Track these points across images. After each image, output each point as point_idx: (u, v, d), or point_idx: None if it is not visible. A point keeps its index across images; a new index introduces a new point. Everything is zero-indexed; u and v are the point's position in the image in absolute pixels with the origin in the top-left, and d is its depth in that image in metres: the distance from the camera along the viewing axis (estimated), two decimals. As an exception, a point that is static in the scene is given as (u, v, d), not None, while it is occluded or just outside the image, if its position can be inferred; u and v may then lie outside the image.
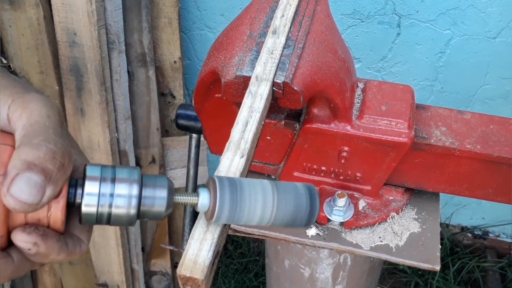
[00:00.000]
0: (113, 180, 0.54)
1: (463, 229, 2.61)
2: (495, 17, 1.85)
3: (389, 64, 2.07)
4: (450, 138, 0.94)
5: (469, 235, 2.62)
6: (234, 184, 0.57)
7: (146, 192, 0.55)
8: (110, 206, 0.53)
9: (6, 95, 0.54)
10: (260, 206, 0.57)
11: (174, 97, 2.03)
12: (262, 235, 1.02)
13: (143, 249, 2.10)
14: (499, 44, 1.92)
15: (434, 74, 2.07)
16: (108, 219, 0.54)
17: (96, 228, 1.86)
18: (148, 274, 2.19)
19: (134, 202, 0.54)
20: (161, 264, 2.19)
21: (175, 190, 0.58)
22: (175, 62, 1.96)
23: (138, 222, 2.01)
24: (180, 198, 0.57)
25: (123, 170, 0.55)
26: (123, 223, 0.55)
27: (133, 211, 0.54)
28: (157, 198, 0.55)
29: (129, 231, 1.97)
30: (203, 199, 0.57)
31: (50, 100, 0.56)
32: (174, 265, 2.21)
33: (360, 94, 0.96)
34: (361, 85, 0.98)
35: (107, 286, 2.04)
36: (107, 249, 1.93)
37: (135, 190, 0.54)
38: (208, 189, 0.57)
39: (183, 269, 0.55)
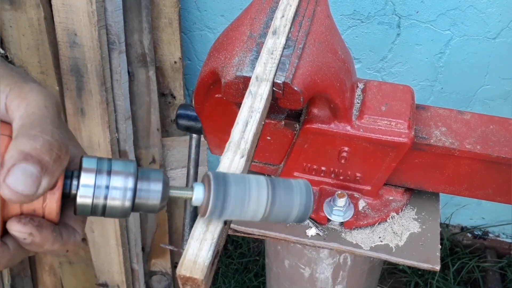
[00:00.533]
0: (109, 173, 0.54)
1: (463, 229, 2.61)
2: (495, 17, 1.85)
3: (389, 64, 2.07)
4: (450, 138, 0.94)
5: (469, 235, 2.62)
6: (229, 179, 0.57)
7: (141, 185, 0.55)
8: (106, 198, 0.54)
9: (4, 84, 0.54)
10: (255, 201, 0.57)
11: (174, 97, 2.02)
12: (262, 235, 1.02)
13: (143, 249, 2.10)
14: (499, 45, 1.92)
15: (434, 74, 2.07)
16: (103, 211, 0.55)
17: (96, 227, 1.86)
18: (148, 274, 2.19)
19: (129, 194, 0.54)
20: (161, 264, 2.19)
21: (170, 184, 0.58)
22: (175, 62, 1.96)
23: (138, 222, 2.01)
24: (175, 192, 0.58)
25: (119, 163, 0.55)
26: (117, 215, 0.55)
27: (127, 203, 0.54)
28: (152, 191, 0.56)
29: (129, 231, 1.97)
30: (197, 194, 0.57)
31: (48, 90, 0.56)
32: (174, 265, 2.21)
33: (360, 95, 0.96)
34: (361, 86, 0.98)
35: (107, 286, 2.04)
36: (107, 248, 1.93)
37: (130, 182, 0.54)
38: (203, 184, 0.58)
39: (183, 269, 0.55)
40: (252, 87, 0.75)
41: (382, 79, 2.11)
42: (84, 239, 1.90)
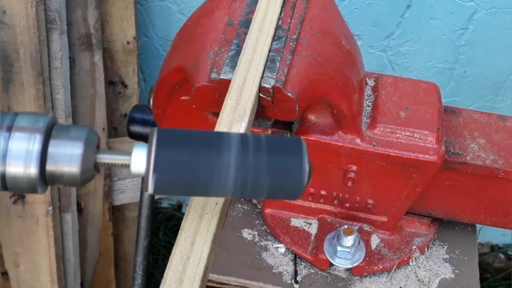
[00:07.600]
0: (9, 129, 0.50)
1: (494, 248, 2.62)
2: (531, -16, 1.85)
3: (397, 42, 2.07)
4: (492, 154, 0.93)
5: (502, 256, 2.62)
6: (182, 138, 0.52)
7: (54, 146, 0.51)
8: (3, 163, 0.50)
9: None
10: (217, 168, 0.52)
11: (125, 86, 2.01)
12: (241, 285, 1.00)
13: (82, 285, 2.08)
14: (536, 19, 1.92)
15: (454, 55, 2.07)
16: (2, 181, 0.51)
17: (23, 260, 1.82)
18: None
19: (34, 158, 0.50)
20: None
21: (100, 147, 0.54)
22: (128, 43, 1.93)
23: (78, 249, 1.97)
24: (105, 157, 0.53)
25: (25, 117, 0.52)
26: (23, 188, 0.51)
27: (33, 170, 0.50)
28: (68, 155, 0.51)
29: (66, 263, 1.94)
30: (137, 158, 0.52)
31: None
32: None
33: (370, 95, 0.95)
34: (371, 82, 0.97)
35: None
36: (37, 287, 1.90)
37: (37, 142, 0.50)
38: (147, 145, 0.53)
39: None
40: (232, 94, 0.72)
41: (389, 60, 2.11)
42: (5, 274, 1.86)
